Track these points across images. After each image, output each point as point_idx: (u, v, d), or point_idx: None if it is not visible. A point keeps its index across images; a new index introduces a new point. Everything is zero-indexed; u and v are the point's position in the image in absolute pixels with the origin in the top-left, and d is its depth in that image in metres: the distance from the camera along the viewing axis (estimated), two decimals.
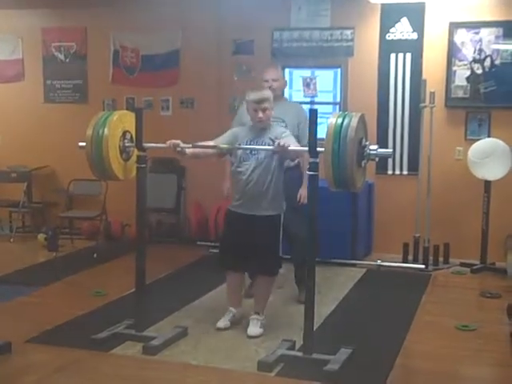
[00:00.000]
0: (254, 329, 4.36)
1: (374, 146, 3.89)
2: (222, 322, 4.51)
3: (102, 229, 7.14)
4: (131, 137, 4.33)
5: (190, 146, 4.22)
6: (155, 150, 4.43)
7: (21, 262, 6.44)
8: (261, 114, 4.24)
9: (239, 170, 4.33)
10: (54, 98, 7.88)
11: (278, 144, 3.97)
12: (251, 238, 4.32)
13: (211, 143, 4.33)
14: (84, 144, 4.23)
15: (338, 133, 3.67)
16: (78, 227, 7.37)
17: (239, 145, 4.31)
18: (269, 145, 4.20)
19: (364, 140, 3.83)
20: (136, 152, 4.28)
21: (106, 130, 4.18)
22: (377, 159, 4.04)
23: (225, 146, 4.28)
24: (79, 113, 7.30)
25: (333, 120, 3.74)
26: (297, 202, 4.86)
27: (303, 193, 4.82)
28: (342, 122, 3.70)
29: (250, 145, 4.28)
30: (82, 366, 3.97)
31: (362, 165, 3.83)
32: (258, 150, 4.24)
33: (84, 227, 7.37)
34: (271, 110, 4.31)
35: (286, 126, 4.80)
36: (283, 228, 4.85)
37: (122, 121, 4.33)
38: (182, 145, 4.17)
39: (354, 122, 3.69)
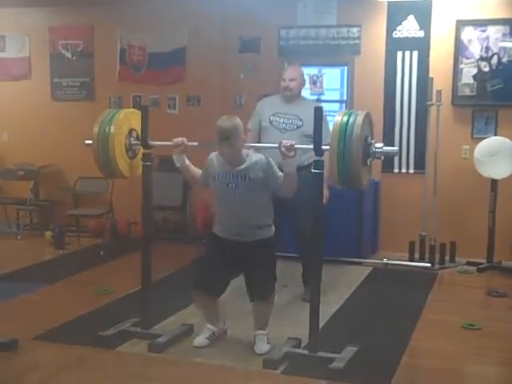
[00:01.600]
0: (262, 345, 4.09)
1: (380, 144, 3.89)
2: (200, 341, 4.21)
3: (109, 227, 7.17)
4: (137, 135, 4.34)
5: (197, 143, 4.21)
6: (162, 148, 4.43)
7: (27, 259, 6.47)
8: (225, 150, 3.92)
9: (219, 202, 4.08)
10: (61, 96, 7.90)
11: (283, 145, 3.87)
12: (238, 264, 4.06)
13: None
14: (90, 142, 4.24)
15: (343, 131, 3.67)
16: (85, 225, 7.40)
17: (214, 177, 4.03)
18: (246, 178, 3.93)
19: (370, 138, 3.82)
20: (142, 150, 4.30)
21: (112, 127, 4.19)
22: (382, 157, 4.05)
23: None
24: (86, 110, 7.32)
25: (338, 118, 3.74)
26: (307, 202, 4.74)
27: (324, 192, 4.57)
28: (348, 120, 3.69)
29: (224, 178, 3.99)
30: (87, 364, 3.98)
31: (368, 163, 3.82)
32: (236, 182, 3.93)
33: (90, 225, 7.39)
34: (238, 144, 3.92)
35: (302, 125, 4.88)
36: (294, 228, 4.83)
37: (129, 118, 4.34)
38: (186, 143, 4.13)
39: (360, 119, 3.69)
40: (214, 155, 4.10)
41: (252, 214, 4.01)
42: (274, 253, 4.17)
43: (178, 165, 4.14)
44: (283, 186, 3.94)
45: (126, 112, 4.41)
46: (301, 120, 4.93)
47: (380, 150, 3.87)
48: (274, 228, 4.12)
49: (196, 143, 4.19)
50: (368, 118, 3.81)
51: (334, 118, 3.80)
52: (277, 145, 3.94)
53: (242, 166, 3.96)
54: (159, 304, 4.63)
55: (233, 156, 3.96)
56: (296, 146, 3.93)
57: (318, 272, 4.12)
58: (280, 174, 3.96)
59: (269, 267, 4.10)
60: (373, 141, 3.84)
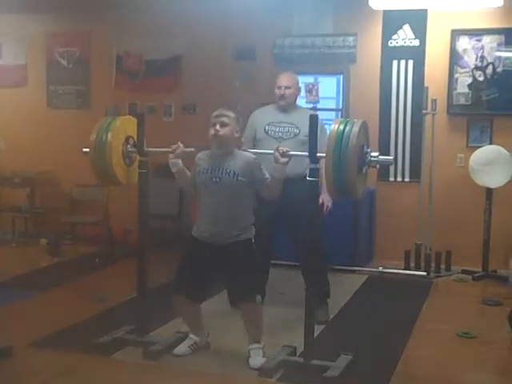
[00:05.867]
0: (257, 359, 4.01)
1: (375, 153, 3.89)
2: (180, 349, 4.20)
3: (105, 234, 7.15)
4: (134, 142, 4.35)
5: (193, 149, 4.20)
6: (160, 156, 4.44)
7: (23, 266, 6.46)
8: (218, 127, 3.95)
9: (202, 198, 4.05)
10: (57, 104, 7.90)
11: (278, 150, 3.89)
12: (219, 268, 4.02)
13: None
14: (88, 150, 4.25)
15: (339, 139, 3.68)
16: (81, 232, 7.38)
17: (199, 172, 4.04)
18: (231, 173, 3.94)
19: (365, 147, 3.83)
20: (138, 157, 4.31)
21: (109, 135, 4.21)
22: (378, 166, 4.05)
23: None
24: (82, 118, 7.32)
25: (334, 126, 3.75)
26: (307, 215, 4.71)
27: (325, 197, 4.66)
28: (344, 129, 3.70)
29: (209, 172, 3.99)
30: (82, 371, 3.97)
31: (363, 171, 3.83)
32: (221, 176, 3.93)
33: (86, 232, 7.38)
34: (233, 130, 3.99)
35: (299, 133, 4.77)
36: (295, 241, 4.80)
37: (125, 126, 4.36)
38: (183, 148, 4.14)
39: (356, 128, 3.69)
40: (202, 153, 4.12)
41: (234, 211, 3.95)
42: (254, 255, 4.04)
43: (174, 170, 4.12)
44: (268, 189, 3.96)
45: (123, 119, 4.43)
46: (297, 128, 4.80)
47: (375, 158, 3.87)
48: (254, 230, 4.05)
49: (192, 149, 4.18)
50: (364, 126, 3.82)
51: (331, 126, 3.81)
52: (271, 152, 3.96)
53: (229, 162, 3.95)
54: (154, 311, 4.61)
55: (223, 137, 3.93)
56: (291, 152, 3.94)
57: (313, 279, 4.11)
58: (267, 175, 3.97)
59: (249, 269, 4.01)
60: (368, 150, 3.86)
